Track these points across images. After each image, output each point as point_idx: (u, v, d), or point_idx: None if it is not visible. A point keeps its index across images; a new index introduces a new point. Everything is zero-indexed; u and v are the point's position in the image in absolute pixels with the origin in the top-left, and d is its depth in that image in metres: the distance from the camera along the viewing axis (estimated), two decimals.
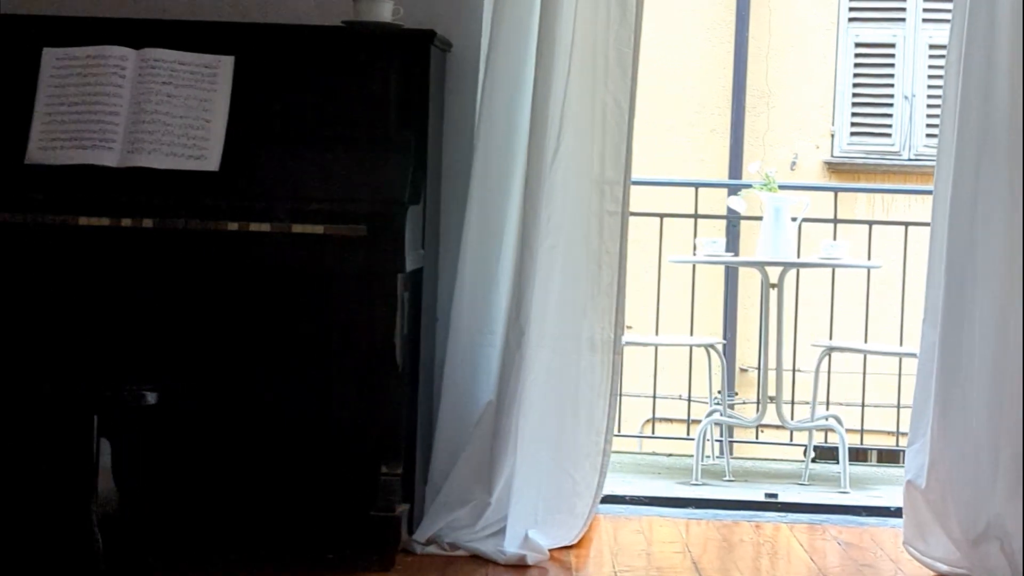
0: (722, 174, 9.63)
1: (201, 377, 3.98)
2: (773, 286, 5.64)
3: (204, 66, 4.02)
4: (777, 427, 5.94)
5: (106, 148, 3.92)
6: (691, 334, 6.30)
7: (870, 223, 6.31)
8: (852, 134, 9.44)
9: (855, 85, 9.40)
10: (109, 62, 3.99)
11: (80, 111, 3.93)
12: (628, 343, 5.81)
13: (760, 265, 5.62)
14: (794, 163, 9.52)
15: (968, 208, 4.09)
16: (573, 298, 4.16)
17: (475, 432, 4.21)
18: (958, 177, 4.08)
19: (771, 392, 5.69)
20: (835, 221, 6.26)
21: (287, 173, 3.94)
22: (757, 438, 6.54)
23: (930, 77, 9.15)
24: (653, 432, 6.52)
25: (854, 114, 9.42)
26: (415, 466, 4.13)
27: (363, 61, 4.05)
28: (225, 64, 4.02)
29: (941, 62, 4.77)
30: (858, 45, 9.43)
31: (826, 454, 6.33)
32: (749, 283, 8.78)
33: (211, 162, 3.94)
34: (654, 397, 6.47)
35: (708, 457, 5.84)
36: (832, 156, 9.45)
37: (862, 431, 6.29)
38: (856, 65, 9.41)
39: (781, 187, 5.74)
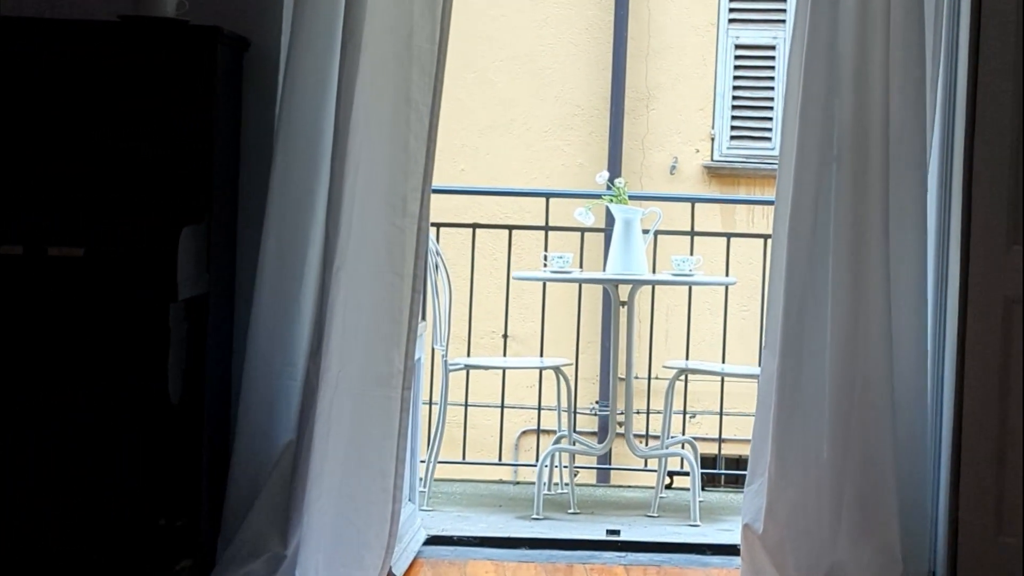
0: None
1: None
2: (623, 304, 5.27)
3: None
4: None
5: None
6: (541, 355, 5.91)
7: (728, 235, 5.96)
8: (732, 137, 9.21)
9: (735, 88, 9.17)
10: None
11: None
12: (470, 366, 5.41)
13: (608, 282, 5.24)
14: (674, 167, 9.29)
15: (808, 224, 3.76)
16: (360, 325, 3.73)
17: (272, 476, 3.78)
18: (799, 189, 3.74)
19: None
20: (692, 234, 5.90)
21: (48, 188, 3.49)
22: (610, 463, 6.16)
23: None
24: (500, 458, 6.11)
25: (734, 117, 9.20)
26: (202, 515, 3.69)
27: (140, 60, 3.61)
28: None
29: None
30: (738, 47, 9.22)
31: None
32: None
33: None
34: (501, 420, 6.06)
35: (557, 484, 5.47)
36: (712, 160, 9.21)
37: (720, 450, 5.95)
38: (736, 67, 9.20)
39: (636, 197, 5.37)
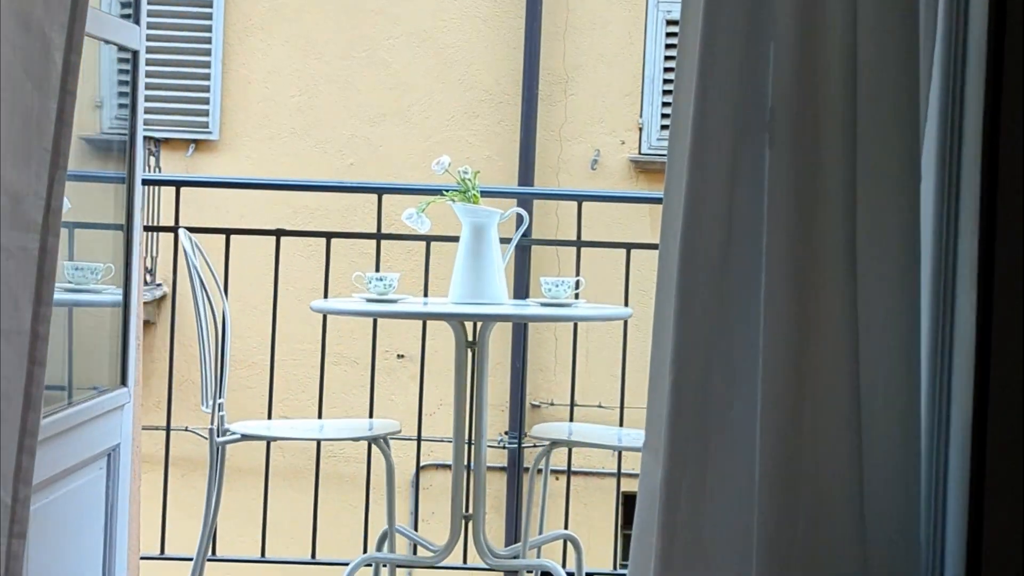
0: (512, 174, 8.55)
1: None
2: (471, 345, 3.67)
3: None
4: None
5: None
6: (371, 414, 4.27)
7: (627, 246, 4.31)
8: (664, 127, 8.37)
9: (667, 70, 8.38)
10: None
11: None
12: (251, 436, 3.77)
13: (445, 317, 3.62)
14: (595, 161, 8.52)
15: (716, 235, 2.18)
16: None
17: None
18: (699, 178, 2.17)
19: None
20: (578, 244, 4.29)
21: None
22: (465, 562, 4.56)
23: None
24: (314, 554, 4.45)
25: (666, 103, 8.36)
26: None
27: None
28: None
29: None
30: (670, 23, 8.44)
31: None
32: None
33: None
34: (315, 504, 4.42)
35: None
36: (640, 153, 8.41)
37: (617, 544, 4.37)
38: (668, 47, 8.42)
39: (484, 192, 3.78)
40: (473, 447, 3.65)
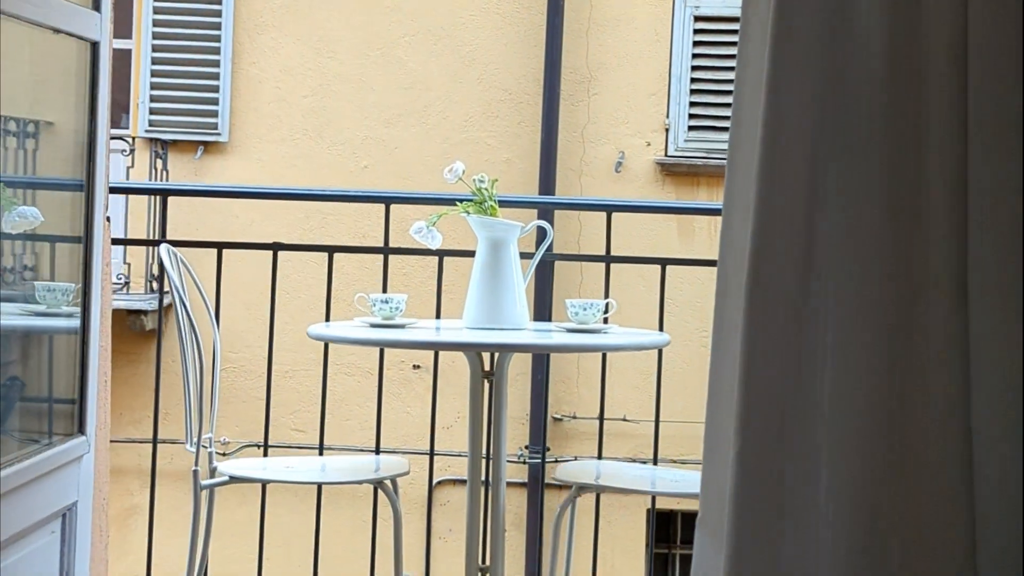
0: (532, 177, 8.26)
1: None
2: (487, 376, 3.25)
3: None
4: None
5: None
6: (377, 450, 3.83)
7: (662, 262, 3.85)
8: (691, 128, 8.23)
9: (695, 68, 8.23)
10: None
11: None
12: (240, 479, 3.35)
13: (457, 346, 3.20)
14: (620, 164, 8.28)
15: (790, 268, 1.76)
16: None
17: None
18: (767, 209, 1.74)
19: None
20: (607, 259, 3.85)
21: None
22: None
23: None
24: None
25: (693, 104, 8.25)
26: None
27: None
28: None
29: None
30: (698, 19, 8.28)
31: None
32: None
33: None
34: (315, 551, 3.99)
35: None
36: (667, 155, 8.18)
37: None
38: (696, 44, 8.26)
39: (504, 202, 3.34)
40: (491, 493, 3.23)
